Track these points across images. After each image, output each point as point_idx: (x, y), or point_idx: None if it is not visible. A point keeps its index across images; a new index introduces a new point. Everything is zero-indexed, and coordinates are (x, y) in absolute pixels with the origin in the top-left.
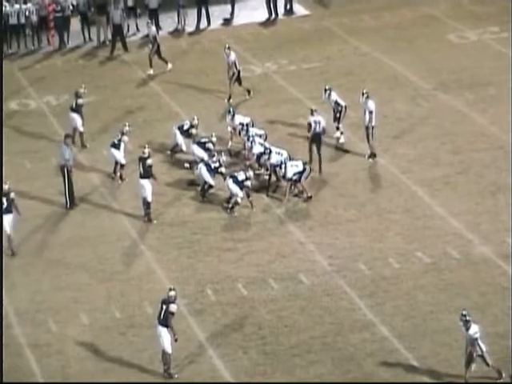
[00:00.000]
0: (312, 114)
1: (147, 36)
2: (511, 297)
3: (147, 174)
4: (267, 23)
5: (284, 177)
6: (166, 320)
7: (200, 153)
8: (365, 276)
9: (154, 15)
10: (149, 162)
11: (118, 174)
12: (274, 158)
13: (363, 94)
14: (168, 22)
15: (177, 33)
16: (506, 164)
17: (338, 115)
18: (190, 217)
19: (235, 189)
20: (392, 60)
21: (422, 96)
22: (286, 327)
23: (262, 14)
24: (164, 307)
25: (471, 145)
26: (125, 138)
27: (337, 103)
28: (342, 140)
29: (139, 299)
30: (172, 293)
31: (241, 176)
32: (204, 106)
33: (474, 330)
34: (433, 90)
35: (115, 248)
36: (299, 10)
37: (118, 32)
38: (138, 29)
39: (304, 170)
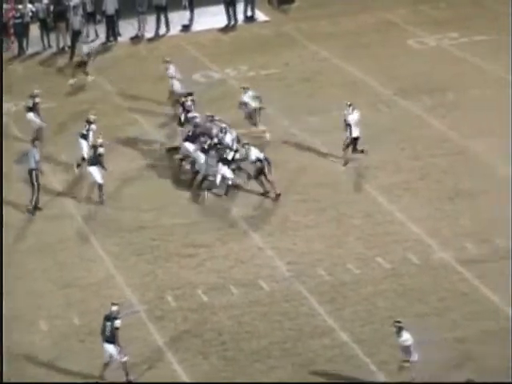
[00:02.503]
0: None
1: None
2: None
3: (96, 160)
4: (227, 29)
5: (247, 158)
6: (112, 337)
7: (191, 147)
8: (324, 282)
9: (111, 22)
10: (100, 150)
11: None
12: (229, 138)
13: (349, 106)
14: (128, 28)
15: (136, 39)
16: (465, 169)
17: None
18: (150, 223)
19: (226, 171)
20: (351, 66)
21: (382, 102)
22: (247, 333)
23: (222, 21)
24: (108, 324)
25: (431, 150)
26: (93, 126)
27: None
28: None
29: (98, 306)
30: (114, 308)
31: (229, 155)
32: (162, 111)
33: (405, 337)
34: (392, 96)
35: (75, 254)
36: (259, 16)
37: (78, 38)
38: (97, 35)
39: (265, 158)
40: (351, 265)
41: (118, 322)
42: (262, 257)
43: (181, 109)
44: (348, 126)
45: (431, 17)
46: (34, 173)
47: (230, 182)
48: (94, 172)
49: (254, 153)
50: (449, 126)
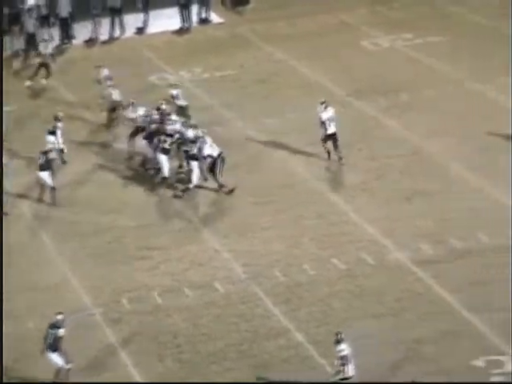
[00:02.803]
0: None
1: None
2: None
3: (47, 165)
4: (181, 31)
5: (199, 152)
6: (55, 345)
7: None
8: (280, 283)
9: (65, 24)
10: (52, 155)
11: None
12: (191, 133)
13: (322, 104)
14: (82, 31)
15: (91, 42)
16: (420, 170)
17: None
18: (105, 225)
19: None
20: (307, 67)
21: (337, 102)
22: (202, 335)
23: (177, 23)
24: (51, 332)
25: (386, 151)
26: (59, 124)
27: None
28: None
29: (55, 309)
30: (59, 317)
31: (194, 149)
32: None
33: (341, 347)
34: (347, 97)
35: (31, 258)
36: (213, 17)
37: (32, 41)
38: (51, 37)
39: (219, 155)
40: (307, 265)
41: (61, 331)
42: (219, 259)
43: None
44: (322, 123)
45: (386, 18)
46: None
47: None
48: (45, 177)
49: (207, 148)
50: (404, 127)
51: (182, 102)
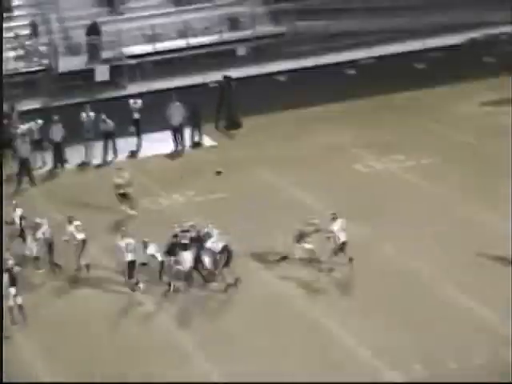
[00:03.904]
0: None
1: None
2: None
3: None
4: (174, 155)
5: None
6: None
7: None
8: None
9: (58, 148)
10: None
11: None
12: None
13: (332, 215)
14: (74, 155)
15: (83, 165)
16: (416, 298)
17: None
18: None
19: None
20: (297, 189)
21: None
22: None
23: (169, 146)
24: None
25: (380, 277)
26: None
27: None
28: None
29: None
30: None
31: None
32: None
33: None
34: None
35: None
36: (206, 140)
37: (25, 166)
38: (44, 162)
39: (224, 250)
40: None
41: None
42: None
43: None
44: (333, 233)
45: (374, 140)
46: None
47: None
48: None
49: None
50: (396, 253)
51: None
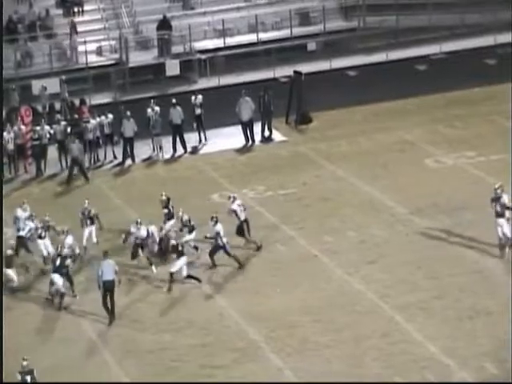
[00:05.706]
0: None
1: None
2: None
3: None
4: (244, 149)
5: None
6: None
7: None
8: None
9: (128, 143)
10: (68, 261)
11: None
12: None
13: None
14: (144, 149)
15: (152, 160)
16: (483, 288)
17: None
18: (169, 344)
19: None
20: (368, 185)
21: (399, 221)
22: None
23: (239, 141)
24: None
25: (448, 269)
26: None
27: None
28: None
29: None
30: None
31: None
32: None
33: None
34: (409, 215)
35: (92, 377)
36: (276, 135)
37: (76, 164)
38: (114, 156)
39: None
40: None
41: None
42: (281, 378)
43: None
44: None
45: (446, 136)
46: None
47: None
48: (58, 280)
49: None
50: (466, 245)
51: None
